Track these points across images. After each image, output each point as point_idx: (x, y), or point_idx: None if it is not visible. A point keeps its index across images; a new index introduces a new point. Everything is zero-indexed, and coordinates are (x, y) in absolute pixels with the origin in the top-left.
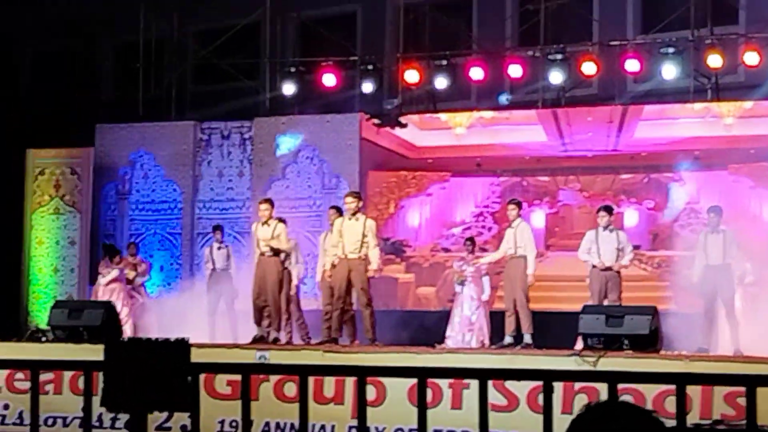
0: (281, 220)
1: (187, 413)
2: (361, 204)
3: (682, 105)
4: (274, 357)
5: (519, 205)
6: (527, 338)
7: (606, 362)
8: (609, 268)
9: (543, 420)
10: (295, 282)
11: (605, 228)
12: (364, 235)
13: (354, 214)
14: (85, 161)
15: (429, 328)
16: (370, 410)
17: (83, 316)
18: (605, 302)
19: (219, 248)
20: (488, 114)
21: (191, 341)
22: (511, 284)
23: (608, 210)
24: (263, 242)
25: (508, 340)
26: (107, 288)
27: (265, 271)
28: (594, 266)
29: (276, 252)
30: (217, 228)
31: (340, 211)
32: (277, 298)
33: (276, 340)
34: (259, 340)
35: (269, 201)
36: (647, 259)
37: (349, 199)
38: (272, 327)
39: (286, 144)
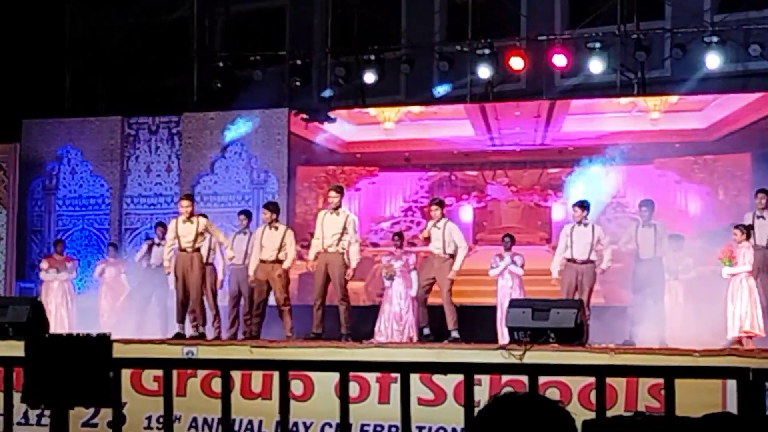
0: (203, 215)
1: (110, 408)
2: (341, 198)
3: (609, 99)
4: (202, 353)
5: (442, 204)
6: (454, 334)
7: (532, 355)
8: (583, 262)
9: (464, 413)
10: (220, 277)
11: (579, 223)
12: (344, 230)
13: (336, 208)
14: (11, 157)
15: (358, 323)
16: (297, 405)
17: (8, 313)
18: (575, 296)
19: (159, 245)
20: (416, 109)
21: (118, 337)
22: (431, 279)
23: (582, 205)
24: (184, 239)
25: (427, 332)
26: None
27: (186, 267)
28: (568, 259)
29: (197, 248)
30: (160, 225)
31: (249, 216)
32: (200, 295)
33: (202, 336)
34: (178, 337)
35: (190, 197)
36: None
37: (332, 193)
38: (197, 323)
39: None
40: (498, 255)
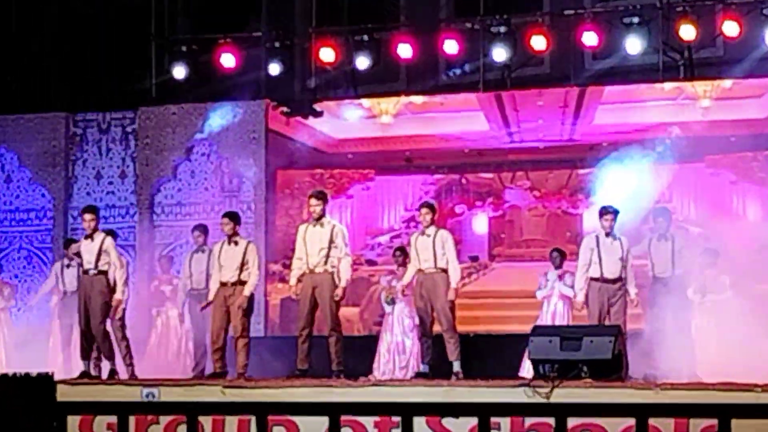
0: (109, 232)
1: None
2: (325, 206)
3: (650, 85)
4: (166, 394)
5: (433, 208)
6: (456, 366)
7: (561, 393)
8: (614, 280)
9: None
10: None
11: (608, 234)
12: (331, 243)
13: (319, 219)
14: None
15: (352, 357)
16: None
17: None
18: (606, 323)
19: (68, 266)
20: (419, 99)
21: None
22: (429, 303)
23: (613, 211)
24: (86, 258)
25: (423, 368)
26: None
27: (88, 292)
28: (593, 279)
29: (102, 271)
30: (70, 242)
31: (205, 231)
32: (102, 325)
33: (112, 374)
34: (83, 377)
35: (94, 210)
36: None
37: (313, 201)
38: (101, 359)
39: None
40: (544, 274)
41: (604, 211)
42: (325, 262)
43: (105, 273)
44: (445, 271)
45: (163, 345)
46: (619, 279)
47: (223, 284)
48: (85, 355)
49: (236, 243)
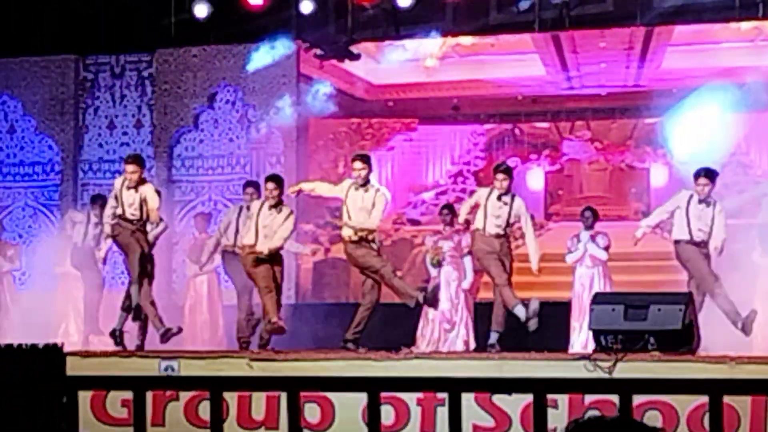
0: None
1: None
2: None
3: (725, 25)
4: (186, 368)
5: (510, 173)
6: (493, 337)
7: (625, 368)
8: (697, 243)
9: None
10: None
11: (702, 200)
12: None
13: (364, 184)
14: None
15: (395, 327)
16: None
17: None
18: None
19: (97, 224)
20: (467, 40)
21: (70, 349)
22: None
23: (710, 175)
24: (129, 208)
25: (494, 337)
26: None
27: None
28: (680, 241)
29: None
30: (97, 199)
31: (258, 189)
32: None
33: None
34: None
35: (138, 160)
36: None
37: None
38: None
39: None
40: (575, 236)
41: (697, 175)
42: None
43: (145, 232)
44: (507, 237)
45: (197, 313)
46: (704, 246)
47: (257, 248)
48: (127, 307)
49: (279, 210)
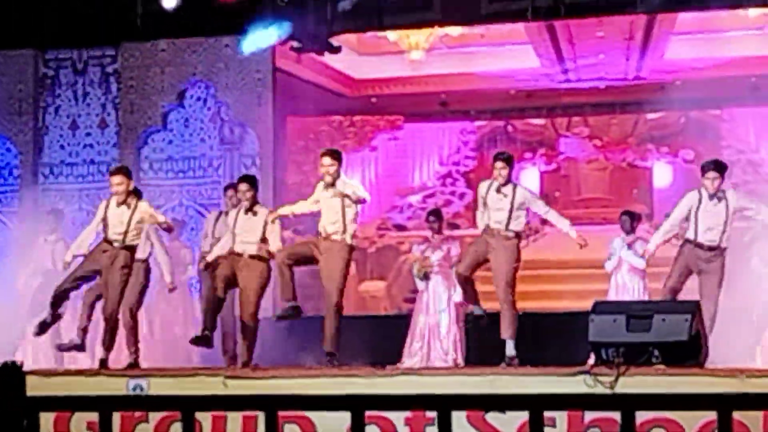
0: (138, 194)
1: None
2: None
3: (733, 11)
4: (156, 387)
5: (510, 161)
6: (509, 348)
7: (628, 382)
8: (709, 248)
9: None
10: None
11: (713, 196)
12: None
13: (333, 183)
14: None
15: (379, 341)
16: None
17: None
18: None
19: (57, 240)
20: (456, 30)
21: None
22: (478, 258)
23: (719, 168)
24: (113, 229)
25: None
26: None
27: (106, 264)
28: (687, 240)
29: (129, 246)
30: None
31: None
32: (115, 307)
33: (103, 363)
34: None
35: (124, 171)
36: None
37: (327, 160)
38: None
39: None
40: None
41: (706, 168)
42: (343, 232)
43: (132, 248)
44: (518, 236)
45: (167, 327)
46: (717, 248)
47: (237, 254)
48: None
49: (255, 213)
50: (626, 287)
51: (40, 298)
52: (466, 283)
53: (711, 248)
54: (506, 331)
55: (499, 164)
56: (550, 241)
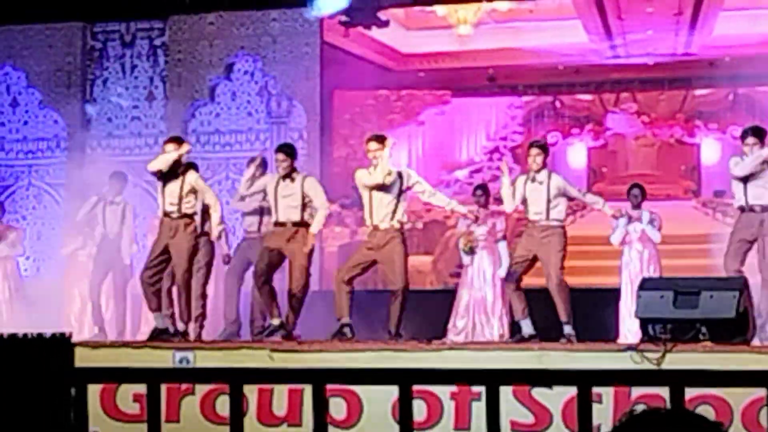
0: (192, 165)
1: None
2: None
3: None
4: (202, 359)
5: (545, 149)
6: (568, 329)
7: (675, 359)
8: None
9: None
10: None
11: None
12: (400, 195)
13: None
14: None
15: (424, 316)
16: None
17: None
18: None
19: (111, 202)
20: (504, 5)
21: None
22: (528, 256)
23: (759, 133)
24: (169, 200)
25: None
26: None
27: (169, 236)
28: (742, 208)
29: (186, 214)
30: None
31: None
32: (187, 276)
33: (183, 334)
34: (160, 335)
35: (178, 140)
36: (734, 211)
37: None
38: (176, 314)
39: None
40: (619, 212)
41: (744, 134)
42: (392, 218)
43: (190, 216)
44: (561, 225)
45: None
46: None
47: (280, 224)
48: (156, 307)
49: (293, 179)
50: (637, 261)
51: (100, 261)
52: (515, 294)
53: (765, 209)
54: (563, 316)
55: (534, 151)
56: (596, 218)
